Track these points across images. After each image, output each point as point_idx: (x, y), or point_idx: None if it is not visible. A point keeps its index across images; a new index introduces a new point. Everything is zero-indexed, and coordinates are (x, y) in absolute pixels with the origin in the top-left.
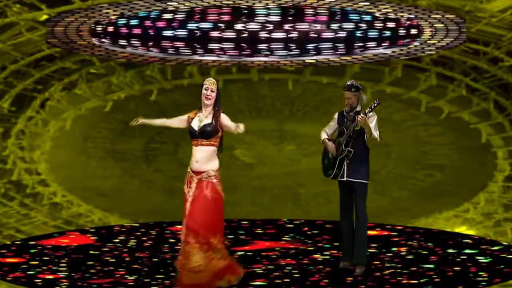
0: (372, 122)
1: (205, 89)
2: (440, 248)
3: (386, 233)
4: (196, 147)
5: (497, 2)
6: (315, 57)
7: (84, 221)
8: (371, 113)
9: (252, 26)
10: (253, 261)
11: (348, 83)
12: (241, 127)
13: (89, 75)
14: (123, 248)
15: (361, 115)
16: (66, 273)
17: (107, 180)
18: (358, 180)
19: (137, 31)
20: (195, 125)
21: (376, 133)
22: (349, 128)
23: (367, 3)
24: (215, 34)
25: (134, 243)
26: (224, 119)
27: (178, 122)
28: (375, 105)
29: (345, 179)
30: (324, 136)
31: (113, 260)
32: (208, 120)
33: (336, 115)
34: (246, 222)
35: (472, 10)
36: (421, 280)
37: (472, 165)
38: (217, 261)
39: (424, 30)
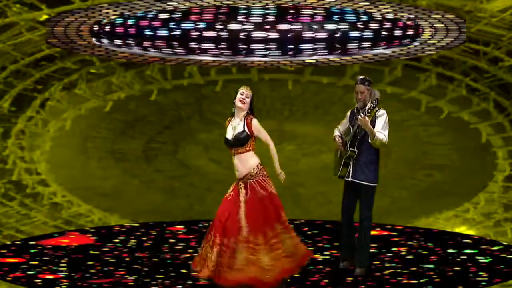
0: (381, 122)
1: (241, 94)
2: (440, 248)
3: (386, 233)
4: (234, 156)
5: (497, 2)
6: (315, 57)
7: (84, 221)
8: (380, 111)
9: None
10: None
11: (361, 77)
12: (282, 175)
13: (89, 75)
14: (123, 248)
15: (361, 115)
16: (66, 273)
17: (107, 180)
18: (362, 182)
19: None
20: (230, 134)
21: (381, 135)
22: (354, 127)
23: (367, 3)
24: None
25: (134, 243)
26: (255, 124)
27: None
28: (373, 106)
29: (349, 179)
30: (336, 133)
31: (113, 260)
32: (241, 127)
33: (348, 112)
34: None
35: (472, 10)
36: (421, 280)
37: (472, 165)
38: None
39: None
